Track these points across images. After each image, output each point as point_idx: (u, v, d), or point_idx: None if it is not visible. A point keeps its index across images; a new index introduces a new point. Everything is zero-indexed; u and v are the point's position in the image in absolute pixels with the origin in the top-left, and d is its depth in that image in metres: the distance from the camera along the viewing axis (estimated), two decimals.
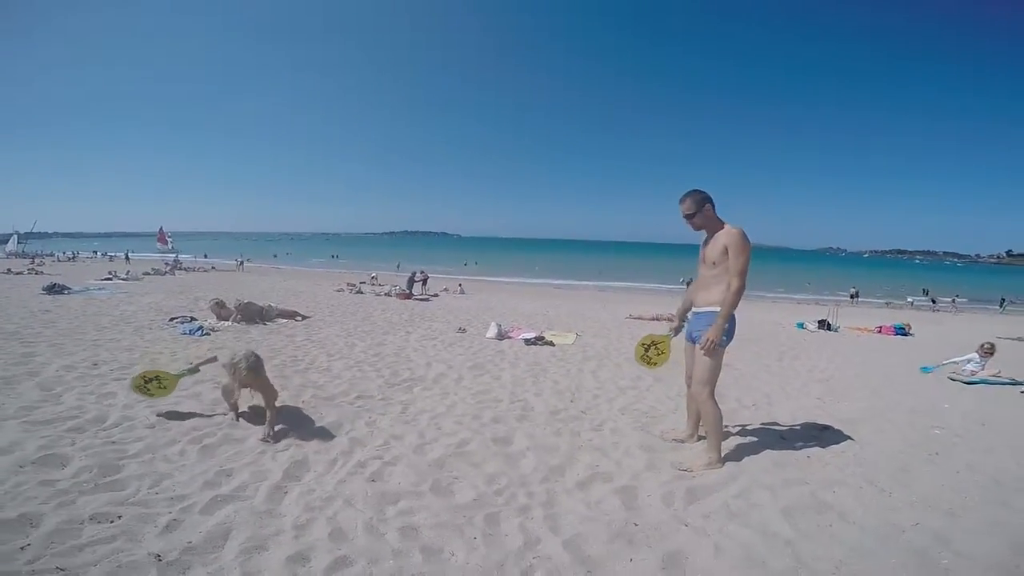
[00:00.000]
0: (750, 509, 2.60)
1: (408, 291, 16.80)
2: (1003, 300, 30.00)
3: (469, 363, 6.04)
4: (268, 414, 3.45)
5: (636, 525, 2.41)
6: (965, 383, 6.18)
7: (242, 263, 32.41)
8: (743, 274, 3.01)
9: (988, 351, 6.72)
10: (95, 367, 4.86)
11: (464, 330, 8.67)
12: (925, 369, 7.04)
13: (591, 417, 4.16)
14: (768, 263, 68.31)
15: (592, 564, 2.09)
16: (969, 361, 6.73)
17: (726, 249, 3.05)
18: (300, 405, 4.04)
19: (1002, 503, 2.70)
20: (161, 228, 38.92)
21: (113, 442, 3.07)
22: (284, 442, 3.24)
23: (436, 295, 18.28)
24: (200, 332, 7.13)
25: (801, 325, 13.40)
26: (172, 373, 4.00)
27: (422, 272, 20.08)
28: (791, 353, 8.32)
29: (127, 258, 34.56)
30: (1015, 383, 6.01)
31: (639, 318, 12.62)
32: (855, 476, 3.07)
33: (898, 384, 6.10)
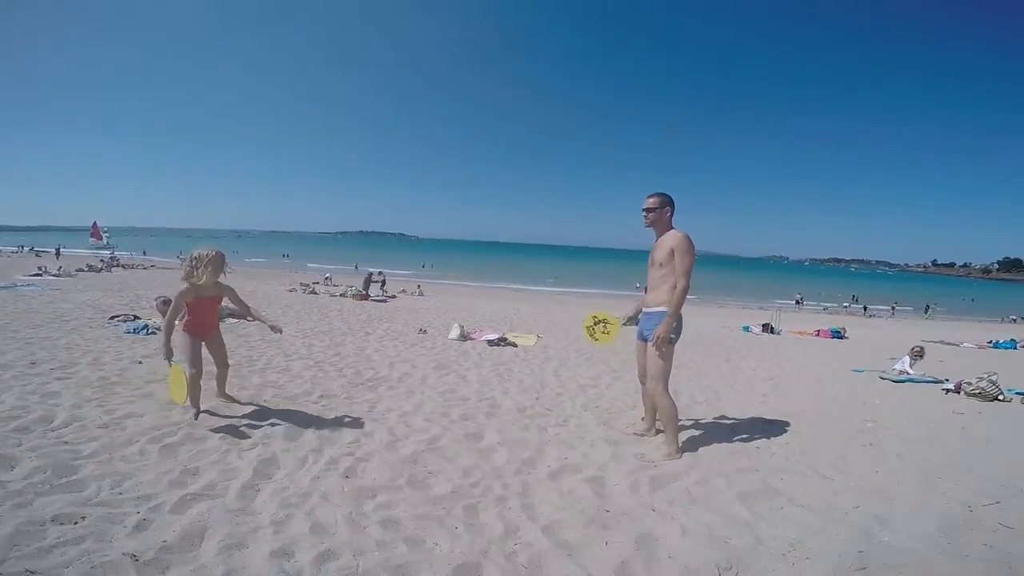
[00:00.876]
0: (709, 495, 2.77)
1: (365, 292, 16.53)
2: (928, 306, 32.96)
3: (433, 363, 6.05)
4: (249, 314, 3.95)
5: (608, 511, 2.53)
6: (894, 382, 6.70)
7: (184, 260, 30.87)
8: (688, 274, 3.24)
9: (918, 354, 7.34)
10: (33, 366, 4.57)
11: (425, 331, 8.64)
12: (858, 371, 7.57)
13: (556, 413, 4.27)
14: (717, 270, 71.22)
15: (571, 548, 2.18)
16: (900, 362, 7.32)
17: (672, 252, 3.27)
18: (262, 405, 3.95)
19: (929, 488, 2.97)
20: (95, 223, 36.54)
21: (65, 442, 2.92)
22: (249, 441, 3.17)
23: (394, 296, 18.06)
24: (146, 331, 6.80)
25: (747, 328, 14.11)
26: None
27: (380, 273, 19.79)
28: (738, 354, 8.76)
29: (58, 254, 32.23)
30: (936, 382, 6.57)
31: None
32: (800, 464, 3.31)
33: (834, 382, 6.55)
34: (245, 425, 3.43)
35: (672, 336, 3.29)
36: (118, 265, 23.27)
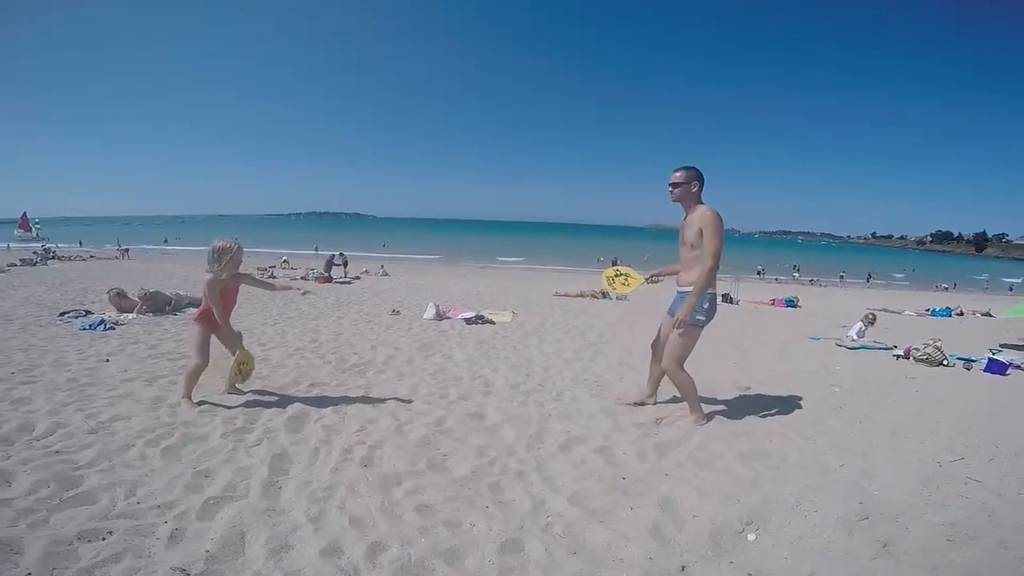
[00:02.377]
0: (712, 458, 2.94)
1: (327, 274, 16.17)
2: (869, 275, 35.84)
3: (415, 344, 6.05)
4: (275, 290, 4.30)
5: (624, 479, 2.65)
6: (849, 348, 7.17)
7: (126, 250, 29.11)
8: (715, 255, 3.15)
9: (871, 321, 7.87)
10: None
11: (398, 312, 8.59)
12: (815, 338, 8.03)
13: (548, 388, 4.39)
14: (675, 242, 73.23)
15: (601, 515, 2.28)
16: (853, 329, 7.82)
17: (701, 231, 3.21)
18: (253, 397, 3.84)
19: (900, 446, 3.22)
20: (24, 214, 33.94)
21: (56, 452, 2.73)
22: (252, 436, 3.09)
23: (358, 277, 17.75)
24: (104, 326, 6.44)
25: None
26: None
27: (341, 255, 19.33)
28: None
29: None
30: (886, 348, 7.07)
31: (565, 295, 13.15)
32: (783, 427, 3.53)
33: (795, 349, 6.95)
34: (242, 420, 3.33)
35: (700, 319, 3.31)
36: (54, 257, 21.72)
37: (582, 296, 13.01)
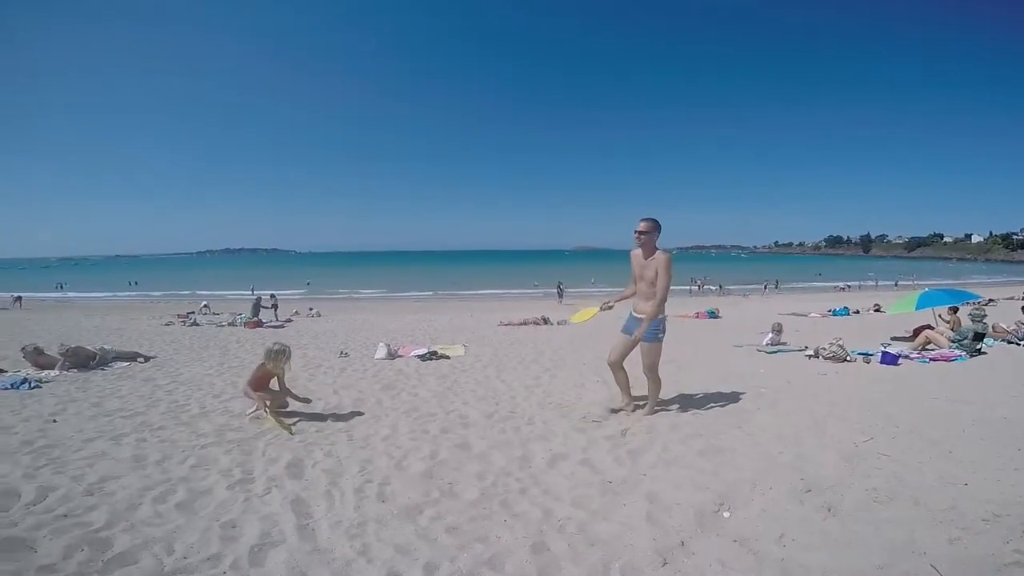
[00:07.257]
0: (676, 458, 3.42)
1: (257, 319, 15.49)
2: (777, 282, 40.41)
3: (378, 385, 6.08)
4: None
5: (611, 482, 3.06)
6: (768, 353, 8.09)
7: (18, 298, 26.24)
8: (664, 289, 4.02)
9: (778, 330, 8.94)
10: None
11: (347, 354, 8.48)
12: (738, 346, 8.95)
13: (520, 415, 4.70)
14: (594, 263, 76.24)
15: (603, 514, 2.67)
16: (766, 337, 8.85)
17: (657, 271, 4.01)
18: (236, 449, 3.84)
19: (822, 432, 3.85)
20: None
21: (64, 516, 2.69)
22: (259, 486, 3.14)
23: (289, 320, 17.15)
24: (28, 385, 6.02)
25: None
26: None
27: (271, 296, 18.50)
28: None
29: None
30: (798, 350, 8.05)
31: (510, 324, 13.54)
32: (727, 425, 4.10)
33: (722, 357, 7.71)
34: (239, 472, 3.36)
35: (660, 335, 4.23)
36: None
37: (525, 324, 13.46)
